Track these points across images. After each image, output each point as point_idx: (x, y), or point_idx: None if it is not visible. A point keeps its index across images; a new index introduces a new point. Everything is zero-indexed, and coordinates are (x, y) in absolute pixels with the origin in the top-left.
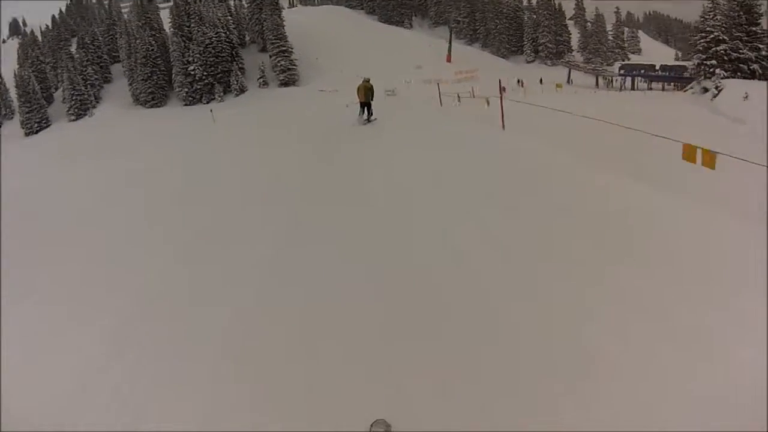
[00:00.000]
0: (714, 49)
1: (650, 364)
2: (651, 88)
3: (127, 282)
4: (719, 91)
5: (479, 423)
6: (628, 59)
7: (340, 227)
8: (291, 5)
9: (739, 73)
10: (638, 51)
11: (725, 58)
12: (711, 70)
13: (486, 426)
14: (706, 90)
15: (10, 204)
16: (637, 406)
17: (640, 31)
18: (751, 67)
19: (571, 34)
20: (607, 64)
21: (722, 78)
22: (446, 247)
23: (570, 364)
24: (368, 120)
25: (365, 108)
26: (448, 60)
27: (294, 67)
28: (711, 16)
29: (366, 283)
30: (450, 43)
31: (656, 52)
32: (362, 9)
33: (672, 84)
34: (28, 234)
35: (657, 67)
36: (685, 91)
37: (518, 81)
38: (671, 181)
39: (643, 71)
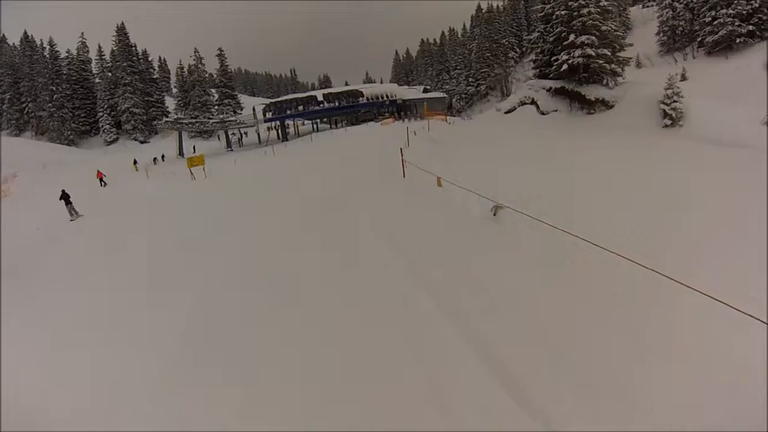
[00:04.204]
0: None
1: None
2: (317, 129)
3: None
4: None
5: None
6: (241, 109)
7: None
8: None
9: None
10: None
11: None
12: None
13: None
14: (607, 105)
15: None
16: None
17: None
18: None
19: (163, 92)
20: (234, 112)
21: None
22: None
23: None
24: None
25: None
26: None
27: None
28: None
29: None
30: None
31: (251, 102)
32: None
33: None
34: None
35: (320, 99)
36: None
37: (155, 159)
38: None
39: (302, 107)
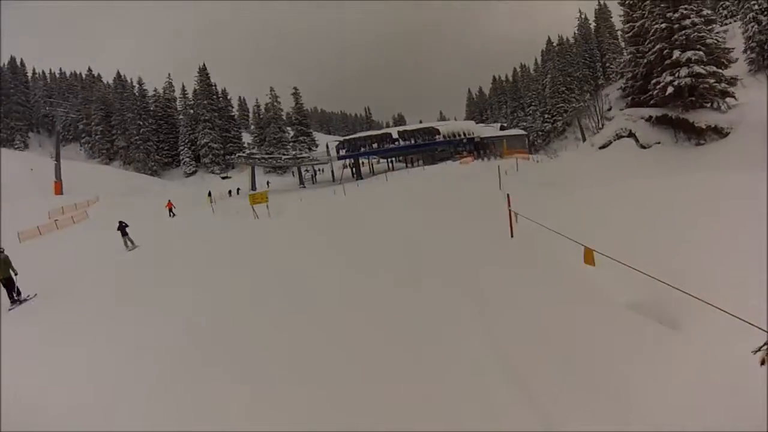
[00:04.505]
0: None
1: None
2: (393, 168)
3: None
4: None
5: None
6: (316, 146)
7: None
8: None
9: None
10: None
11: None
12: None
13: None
14: None
15: None
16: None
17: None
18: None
19: (240, 128)
20: (309, 149)
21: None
22: None
23: None
24: (18, 300)
25: (9, 288)
26: (57, 191)
27: None
28: None
29: None
30: (58, 161)
31: (326, 140)
32: None
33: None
34: None
35: (395, 136)
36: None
37: (230, 192)
38: None
39: (376, 145)
